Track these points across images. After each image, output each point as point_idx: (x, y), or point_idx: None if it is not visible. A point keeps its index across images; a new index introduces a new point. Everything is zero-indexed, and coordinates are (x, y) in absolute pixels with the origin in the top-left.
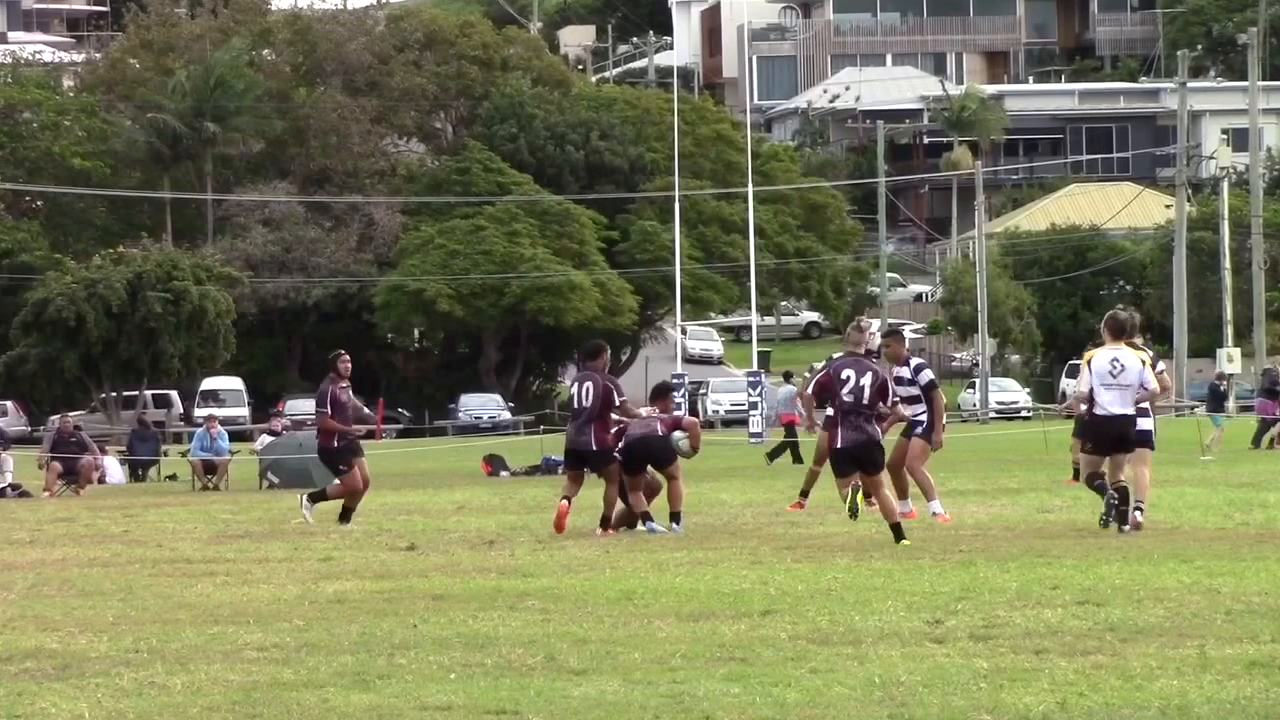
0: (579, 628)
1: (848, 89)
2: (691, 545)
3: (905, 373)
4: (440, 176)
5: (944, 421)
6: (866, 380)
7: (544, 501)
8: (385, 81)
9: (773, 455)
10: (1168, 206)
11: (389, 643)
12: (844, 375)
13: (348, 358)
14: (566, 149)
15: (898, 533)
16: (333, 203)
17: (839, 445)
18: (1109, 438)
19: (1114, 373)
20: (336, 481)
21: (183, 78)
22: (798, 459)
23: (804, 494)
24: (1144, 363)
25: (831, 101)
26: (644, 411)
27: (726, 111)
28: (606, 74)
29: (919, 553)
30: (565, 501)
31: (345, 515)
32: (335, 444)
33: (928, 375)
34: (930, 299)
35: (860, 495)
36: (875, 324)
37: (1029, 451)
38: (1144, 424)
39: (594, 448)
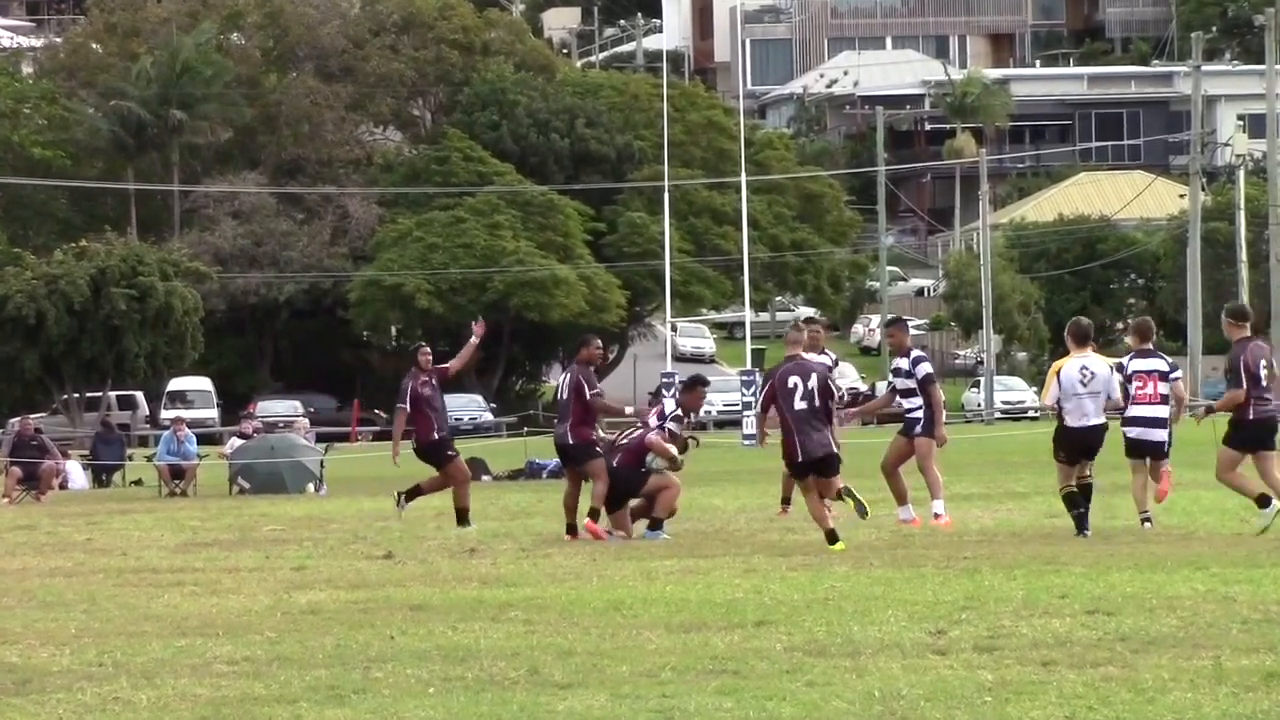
0: (564, 639)
1: (845, 73)
2: (682, 553)
3: (904, 364)
4: (418, 166)
5: (943, 415)
6: (813, 383)
7: (528, 507)
8: (360, 66)
9: None
10: (1181, 196)
11: (365, 656)
12: (790, 383)
13: (427, 349)
14: (550, 137)
15: (832, 538)
16: (305, 194)
17: (800, 458)
18: (1080, 447)
19: (1084, 381)
20: (443, 479)
21: (147, 63)
22: None
23: (785, 500)
24: (1112, 369)
25: (828, 86)
26: (665, 405)
27: (718, 97)
28: (592, 58)
29: (921, 560)
30: (570, 535)
31: (462, 517)
32: (435, 437)
33: (926, 369)
34: (932, 293)
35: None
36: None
37: (1036, 454)
38: (1159, 435)
39: (569, 440)
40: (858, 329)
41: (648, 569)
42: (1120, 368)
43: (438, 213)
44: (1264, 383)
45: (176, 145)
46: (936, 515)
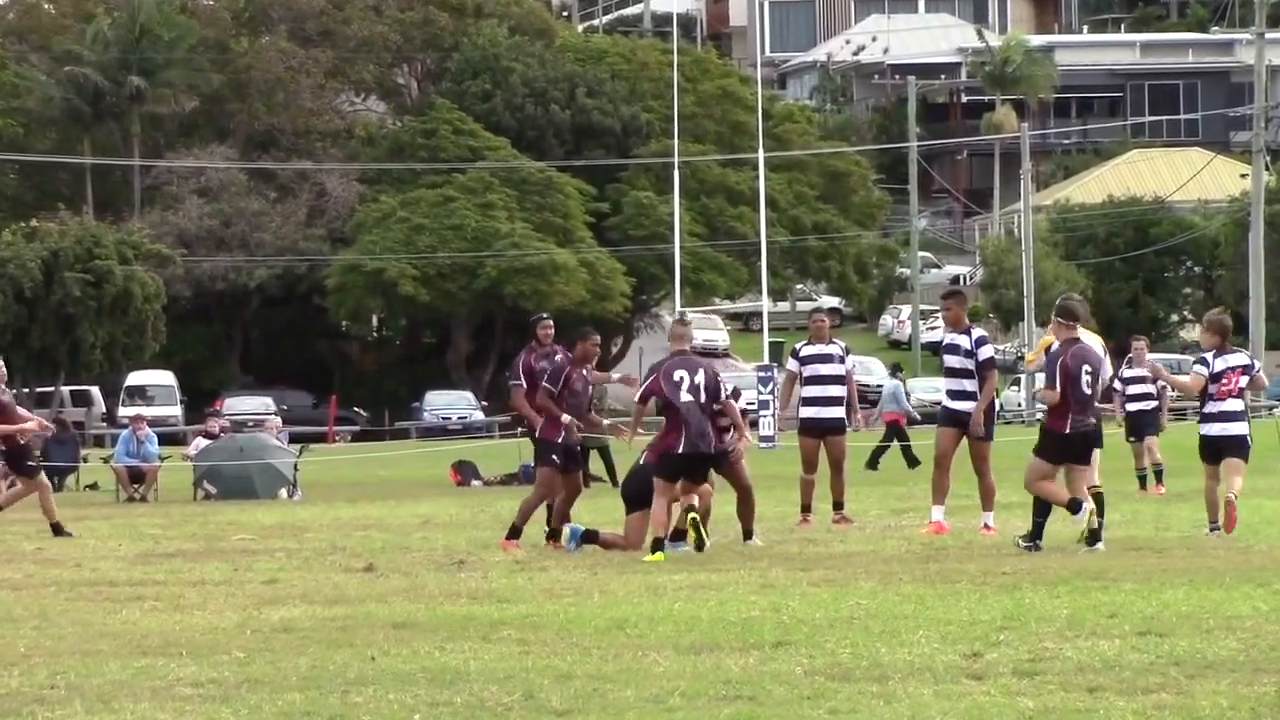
0: (562, 661)
1: (874, 39)
2: (692, 567)
3: (964, 342)
4: (403, 139)
5: (993, 403)
6: (700, 379)
7: None
8: (340, 29)
9: (873, 461)
10: (1243, 176)
11: (343, 678)
12: (676, 377)
13: (549, 321)
14: (549, 108)
15: (657, 545)
16: (279, 169)
17: (681, 450)
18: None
19: None
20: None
21: (104, 25)
22: (912, 462)
23: (806, 509)
24: (1105, 350)
25: (855, 54)
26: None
27: (734, 65)
28: (595, 22)
29: (955, 575)
30: (549, 541)
31: (551, 524)
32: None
33: (989, 350)
34: (969, 282)
35: (700, 526)
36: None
37: None
38: (1238, 429)
39: (534, 432)
40: (886, 320)
41: (654, 584)
42: (1204, 362)
43: (424, 191)
44: (1086, 390)
45: (137, 115)
46: (987, 526)
